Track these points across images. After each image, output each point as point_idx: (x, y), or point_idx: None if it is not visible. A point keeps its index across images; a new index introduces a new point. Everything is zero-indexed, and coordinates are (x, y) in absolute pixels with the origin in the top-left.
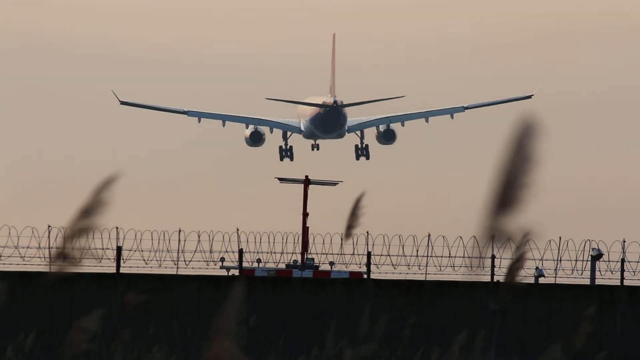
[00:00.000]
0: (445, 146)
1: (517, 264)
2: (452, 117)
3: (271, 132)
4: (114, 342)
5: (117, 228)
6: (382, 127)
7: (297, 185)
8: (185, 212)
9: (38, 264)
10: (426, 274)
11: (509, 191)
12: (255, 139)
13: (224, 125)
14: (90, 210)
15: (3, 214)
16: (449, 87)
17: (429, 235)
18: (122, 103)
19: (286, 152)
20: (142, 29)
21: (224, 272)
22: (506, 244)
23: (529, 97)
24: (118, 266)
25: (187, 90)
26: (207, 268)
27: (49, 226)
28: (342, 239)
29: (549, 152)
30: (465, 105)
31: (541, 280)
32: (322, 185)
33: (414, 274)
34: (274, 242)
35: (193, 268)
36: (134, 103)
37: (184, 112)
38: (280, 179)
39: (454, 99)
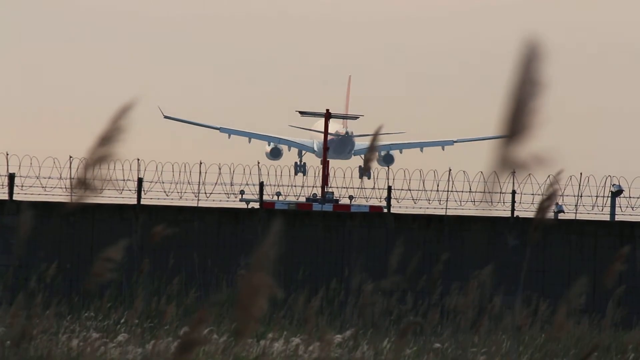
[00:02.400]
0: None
1: (548, 200)
2: (443, 149)
3: (289, 150)
4: (135, 273)
5: (138, 160)
6: (383, 152)
7: (318, 119)
8: (207, 144)
9: (59, 195)
10: (446, 208)
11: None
12: (275, 154)
13: (249, 141)
14: (109, 137)
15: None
16: (442, 123)
17: (450, 169)
18: (166, 117)
19: (300, 168)
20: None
21: (244, 205)
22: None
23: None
24: (139, 197)
25: (221, 108)
26: (227, 201)
27: (71, 157)
28: (360, 173)
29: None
30: (454, 139)
31: (561, 216)
32: (344, 119)
33: (434, 208)
34: (294, 176)
35: (214, 201)
36: (176, 118)
37: (217, 129)
38: (301, 112)
39: (445, 133)
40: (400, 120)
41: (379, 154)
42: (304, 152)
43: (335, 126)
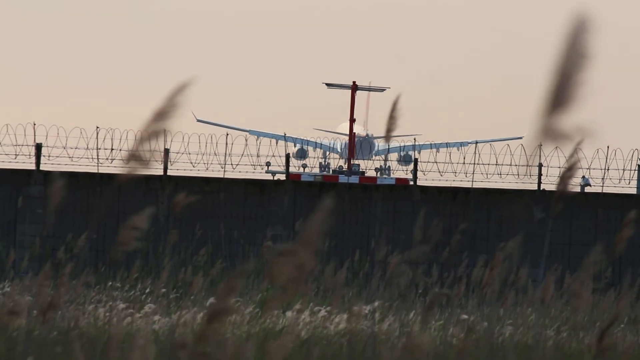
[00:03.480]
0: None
1: (569, 171)
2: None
3: (314, 150)
4: (161, 244)
5: (164, 130)
6: (402, 153)
7: (344, 91)
8: (233, 116)
9: (86, 165)
10: (473, 181)
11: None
12: (300, 155)
13: (277, 143)
14: (164, 113)
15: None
16: (460, 124)
17: (477, 142)
18: (199, 121)
19: (325, 168)
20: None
21: (269, 177)
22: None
23: (520, 138)
24: (165, 168)
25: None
26: (253, 172)
27: (97, 127)
28: (387, 144)
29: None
30: (469, 140)
31: (587, 189)
32: (370, 91)
33: (461, 181)
34: (321, 147)
35: (240, 172)
36: (208, 121)
37: (247, 131)
38: (328, 84)
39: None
40: (419, 121)
41: (398, 154)
42: (328, 153)
43: (355, 129)
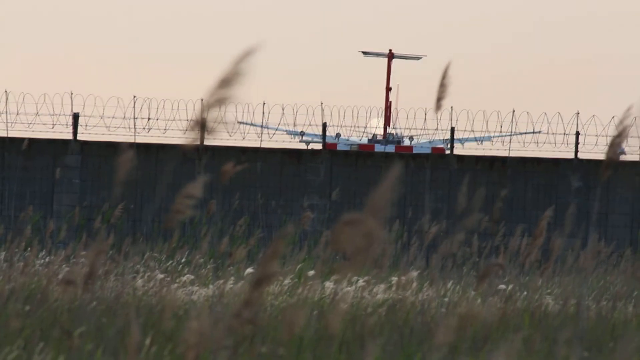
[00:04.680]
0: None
1: (619, 137)
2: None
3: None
4: (198, 214)
5: (201, 100)
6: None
7: (380, 59)
8: (269, 84)
9: (123, 135)
10: (509, 150)
11: None
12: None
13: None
14: (228, 80)
15: (89, 85)
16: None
17: (514, 110)
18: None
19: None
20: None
21: (303, 146)
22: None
23: (539, 132)
24: (202, 138)
25: None
26: (290, 141)
27: (134, 96)
28: (426, 113)
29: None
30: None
31: (622, 157)
32: (406, 59)
33: (497, 149)
34: (357, 116)
35: (276, 141)
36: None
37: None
38: (364, 52)
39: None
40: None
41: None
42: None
43: (380, 125)
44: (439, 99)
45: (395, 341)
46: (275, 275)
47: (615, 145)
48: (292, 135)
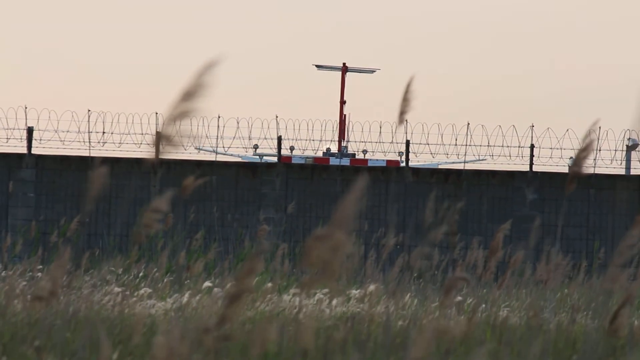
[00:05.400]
0: None
1: (584, 152)
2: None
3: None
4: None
5: (156, 113)
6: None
7: (334, 73)
8: (224, 98)
9: (78, 148)
10: (465, 162)
11: None
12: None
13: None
14: (192, 93)
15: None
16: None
17: (468, 123)
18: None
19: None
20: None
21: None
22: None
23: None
24: (158, 151)
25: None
26: (245, 155)
27: (89, 110)
28: (381, 126)
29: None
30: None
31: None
32: (360, 72)
33: (452, 162)
34: (312, 130)
35: (232, 155)
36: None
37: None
38: (318, 66)
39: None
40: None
41: None
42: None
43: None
44: (402, 113)
45: (362, 356)
46: (251, 291)
47: (581, 159)
48: (246, 149)
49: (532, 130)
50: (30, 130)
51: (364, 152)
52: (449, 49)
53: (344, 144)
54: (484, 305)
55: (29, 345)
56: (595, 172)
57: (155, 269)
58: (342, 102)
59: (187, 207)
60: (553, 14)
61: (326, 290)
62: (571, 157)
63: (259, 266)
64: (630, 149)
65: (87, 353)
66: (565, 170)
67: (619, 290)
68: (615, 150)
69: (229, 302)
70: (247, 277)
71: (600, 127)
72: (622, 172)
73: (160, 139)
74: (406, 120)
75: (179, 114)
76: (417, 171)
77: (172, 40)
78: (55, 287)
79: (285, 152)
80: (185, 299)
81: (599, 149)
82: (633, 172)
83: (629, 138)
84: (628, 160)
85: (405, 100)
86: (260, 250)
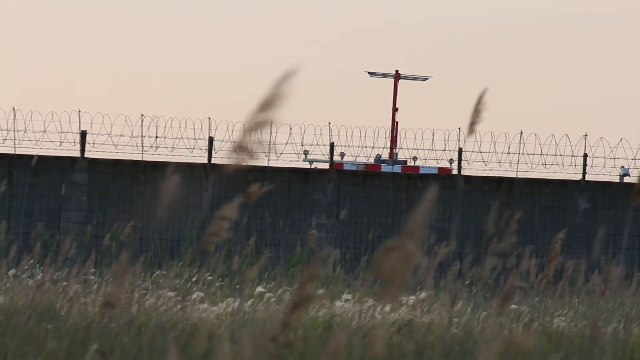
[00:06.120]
0: None
1: None
2: None
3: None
4: (207, 233)
5: (209, 118)
6: None
7: (387, 80)
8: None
9: (131, 152)
10: (517, 171)
11: None
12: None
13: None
14: (269, 103)
15: (97, 103)
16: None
17: (521, 132)
18: None
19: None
20: None
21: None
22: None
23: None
24: (210, 156)
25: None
26: (297, 161)
27: (142, 115)
28: (433, 134)
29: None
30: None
31: (626, 179)
32: (412, 80)
33: (505, 171)
34: (365, 136)
35: (284, 160)
36: None
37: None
38: (371, 73)
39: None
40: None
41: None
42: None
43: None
44: (472, 124)
45: None
46: (313, 298)
47: None
48: (298, 155)
49: (585, 139)
50: (83, 134)
51: (414, 158)
52: (502, 57)
53: (395, 150)
54: (536, 314)
55: (88, 349)
56: None
57: (207, 274)
58: (395, 109)
59: (240, 212)
60: (609, 20)
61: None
62: (622, 167)
63: (318, 272)
64: None
65: (149, 358)
66: (617, 179)
67: None
68: None
69: (292, 308)
70: (309, 284)
71: None
72: None
73: (239, 148)
74: (459, 128)
75: (257, 124)
76: (469, 179)
77: (221, 47)
78: (121, 293)
79: (336, 158)
80: (237, 304)
81: None
82: None
83: None
84: None
85: (477, 111)
86: (319, 256)
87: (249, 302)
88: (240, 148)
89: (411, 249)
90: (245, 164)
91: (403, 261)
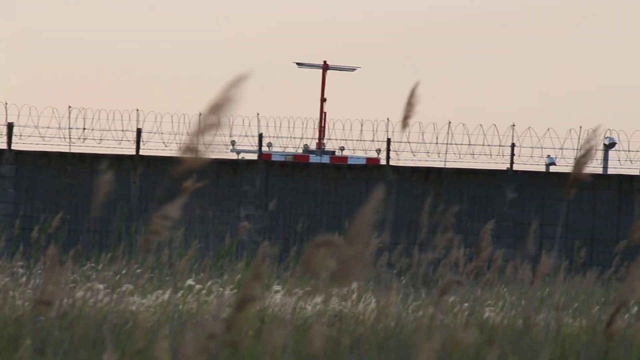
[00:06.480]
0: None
1: (585, 157)
2: None
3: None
4: (134, 224)
5: (137, 110)
6: None
7: (315, 71)
8: (205, 95)
9: (58, 145)
10: (445, 161)
11: None
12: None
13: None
14: (219, 106)
15: (24, 95)
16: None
17: (449, 122)
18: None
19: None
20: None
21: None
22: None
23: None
24: (138, 148)
25: None
26: (225, 152)
27: (70, 107)
28: (362, 124)
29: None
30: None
31: (552, 168)
32: (340, 70)
33: (433, 161)
34: (293, 127)
35: (212, 152)
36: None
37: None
38: (299, 64)
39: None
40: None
41: None
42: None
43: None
44: (406, 117)
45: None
46: (259, 297)
47: (582, 163)
48: (226, 146)
49: (512, 129)
50: (10, 126)
51: (341, 148)
52: (430, 48)
53: (323, 141)
54: (466, 304)
55: (20, 344)
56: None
57: (136, 266)
58: (323, 100)
59: (167, 203)
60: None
61: (307, 288)
62: (548, 156)
63: (263, 271)
64: (607, 147)
65: (84, 354)
66: (544, 169)
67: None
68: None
69: (237, 308)
70: (254, 283)
71: (581, 127)
72: (600, 171)
73: (188, 148)
74: (387, 119)
75: (206, 127)
76: (397, 169)
77: (150, 39)
78: (57, 290)
79: (263, 149)
80: (167, 296)
81: (579, 148)
82: (610, 171)
83: (607, 137)
84: (605, 159)
85: (410, 105)
86: (265, 255)
87: (179, 294)
88: (189, 149)
89: (350, 249)
90: (138, 151)
91: (344, 260)
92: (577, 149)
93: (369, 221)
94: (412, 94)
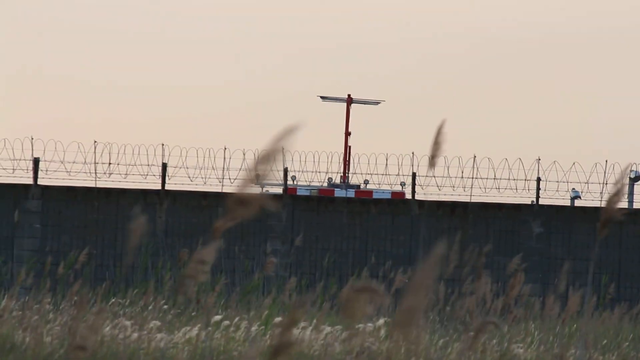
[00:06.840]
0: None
1: (616, 196)
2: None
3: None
4: (160, 259)
5: (162, 145)
6: None
7: (339, 104)
8: (230, 130)
9: (84, 179)
10: (471, 195)
11: None
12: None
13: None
14: (268, 158)
15: (50, 129)
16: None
17: (475, 156)
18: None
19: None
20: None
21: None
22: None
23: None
24: (163, 182)
25: None
26: (252, 186)
27: (95, 141)
28: (387, 158)
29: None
30: None
31: (577, 202)
32: (365, 104)
33: (459, 195)
34: (318, 161)
35: (238, 186)
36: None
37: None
38: (323, 97)
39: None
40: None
41: None
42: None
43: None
44: (433, 157)
45: None
46: (294, 344)
47: (613, 203)
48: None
49: (538, 163)
50: (36, 161)
51: (366, 182)
52: (453, 82)
53: (347, 175)
54: (495, 341)
55: None
56: (603, 205)
57: (163, 301)
58: (347, 134)
59: (193, 238)
60: (558, 41)
61: (337, 325)
62: (573, 189)
63: (299, 318)
64: (633, 181)
65: None
66: (569, 203)
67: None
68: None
69: (274, 354)
70: (289, 330)
71: (607, 161)
72: (625, 205)
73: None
74: (412, 153)
75: (255, 177)
76: (423, 203)
77: (173, 68)
78: (95, 336)
79: (288, 183)
80: (194, 332)
81: (605, 182)
82: (636, 205)
83: (632, 170)
84: (631, 193)
85: (437, 144)
86: (302, 301)
87: (207, 331)
88: (253, 177)
89: (379, 295)
90: (164, 186)
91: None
92: (603, 183)
93: (432, 273)
94: (438, 133)
